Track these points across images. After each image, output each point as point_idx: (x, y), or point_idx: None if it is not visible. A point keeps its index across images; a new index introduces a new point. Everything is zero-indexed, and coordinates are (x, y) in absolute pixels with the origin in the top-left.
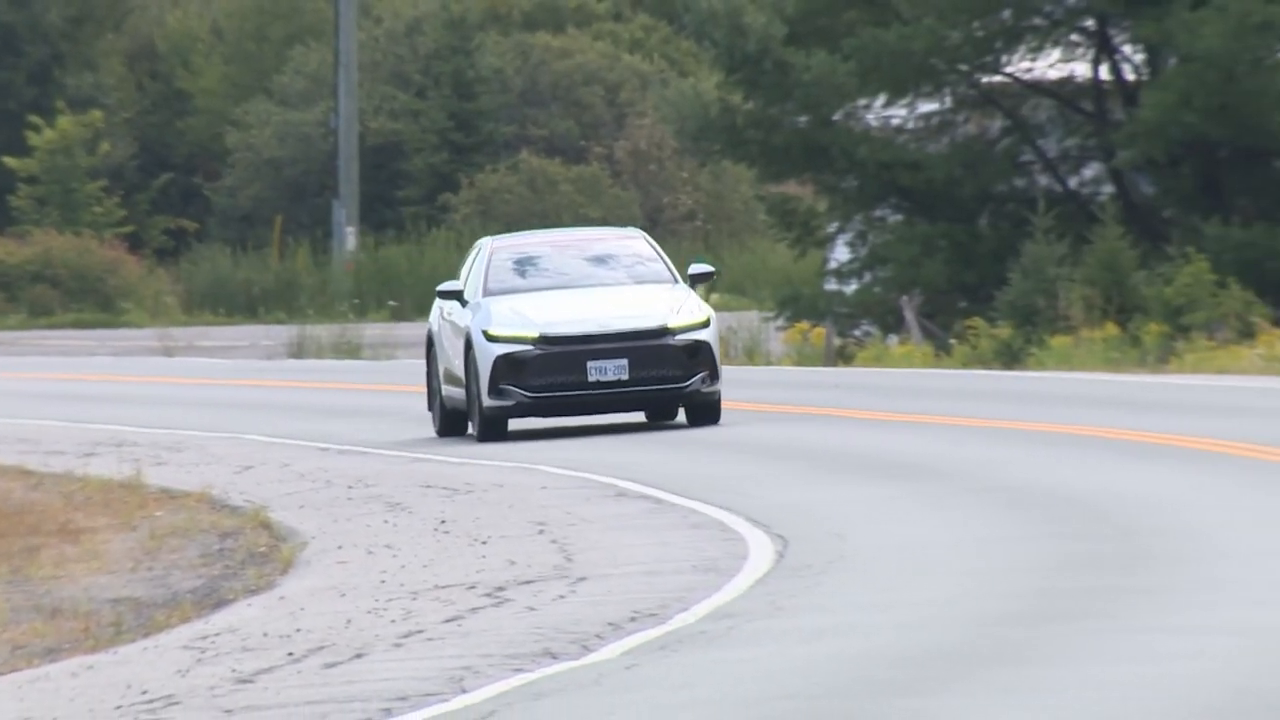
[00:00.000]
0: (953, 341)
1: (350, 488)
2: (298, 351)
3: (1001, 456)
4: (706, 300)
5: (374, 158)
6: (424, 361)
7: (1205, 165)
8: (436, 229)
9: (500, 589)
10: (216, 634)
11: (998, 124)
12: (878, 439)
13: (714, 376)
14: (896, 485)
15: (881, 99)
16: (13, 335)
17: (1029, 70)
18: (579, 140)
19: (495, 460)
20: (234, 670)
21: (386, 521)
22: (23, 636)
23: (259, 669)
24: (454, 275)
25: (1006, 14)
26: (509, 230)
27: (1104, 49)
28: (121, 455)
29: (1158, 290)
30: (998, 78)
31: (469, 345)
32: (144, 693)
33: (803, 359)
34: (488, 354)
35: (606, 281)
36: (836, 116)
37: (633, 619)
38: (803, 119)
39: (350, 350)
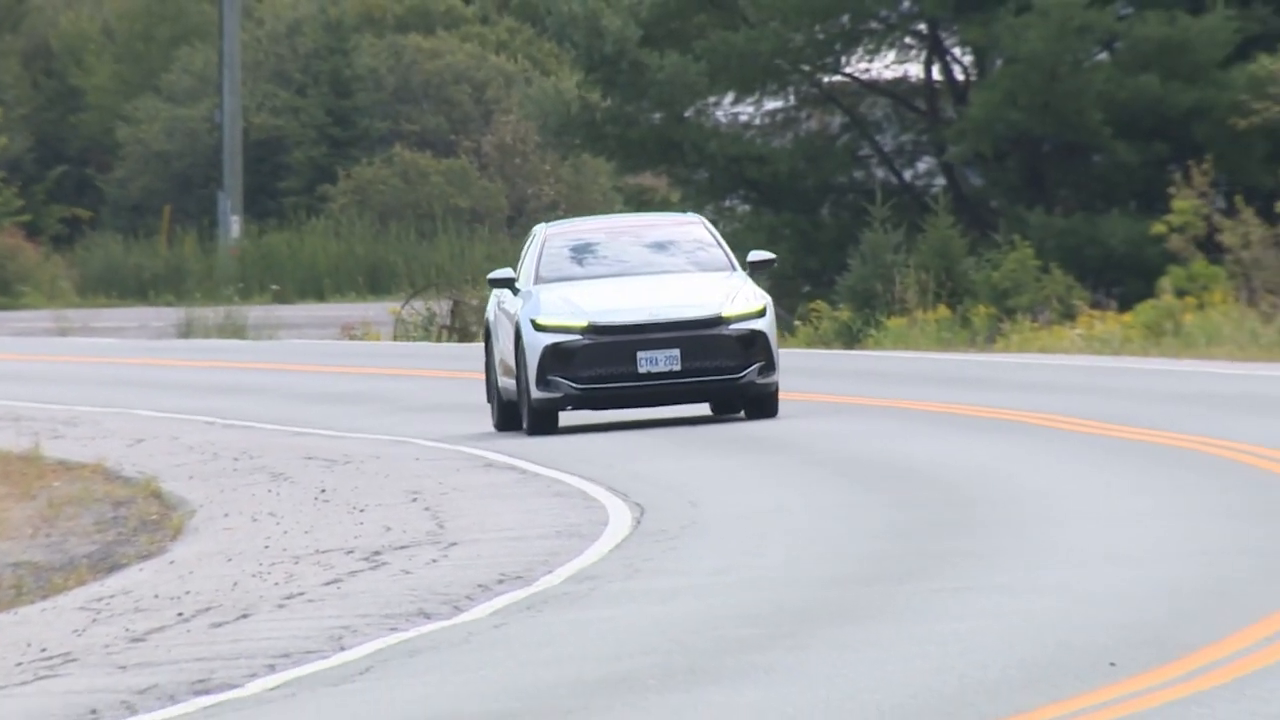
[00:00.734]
0: (797, 323)
1: (236, 459)
2: (186, 332)
3: (843, 430)
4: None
5: (256, 151)
6: (481, 351)
7: (1029, 159)
8: (315, 218)
9: (377, 553)
10: (111, 596)
11: (838, 121)
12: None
13: (770, 367)
14: (745, 457)
15: (730, 97)
16: None
17: (866, 71)
18: (448, 135)
19: (372, 434)
20: (127, 630)
21: (270, 491)
22: None
23: (150, 628)
24: (334, 263)
25: (845, 18)
26: (383, 221)
27: (935, 51)
28: (20, 429)
29: (986, 275)
30: (837, 78)
31: (518, 335)
32: (43, 650)
33: None
34: (535, 344)
35: (662, 269)
36: (688, 113)
37: (500, 581)
38: (657, 115)
39: (235, 331)
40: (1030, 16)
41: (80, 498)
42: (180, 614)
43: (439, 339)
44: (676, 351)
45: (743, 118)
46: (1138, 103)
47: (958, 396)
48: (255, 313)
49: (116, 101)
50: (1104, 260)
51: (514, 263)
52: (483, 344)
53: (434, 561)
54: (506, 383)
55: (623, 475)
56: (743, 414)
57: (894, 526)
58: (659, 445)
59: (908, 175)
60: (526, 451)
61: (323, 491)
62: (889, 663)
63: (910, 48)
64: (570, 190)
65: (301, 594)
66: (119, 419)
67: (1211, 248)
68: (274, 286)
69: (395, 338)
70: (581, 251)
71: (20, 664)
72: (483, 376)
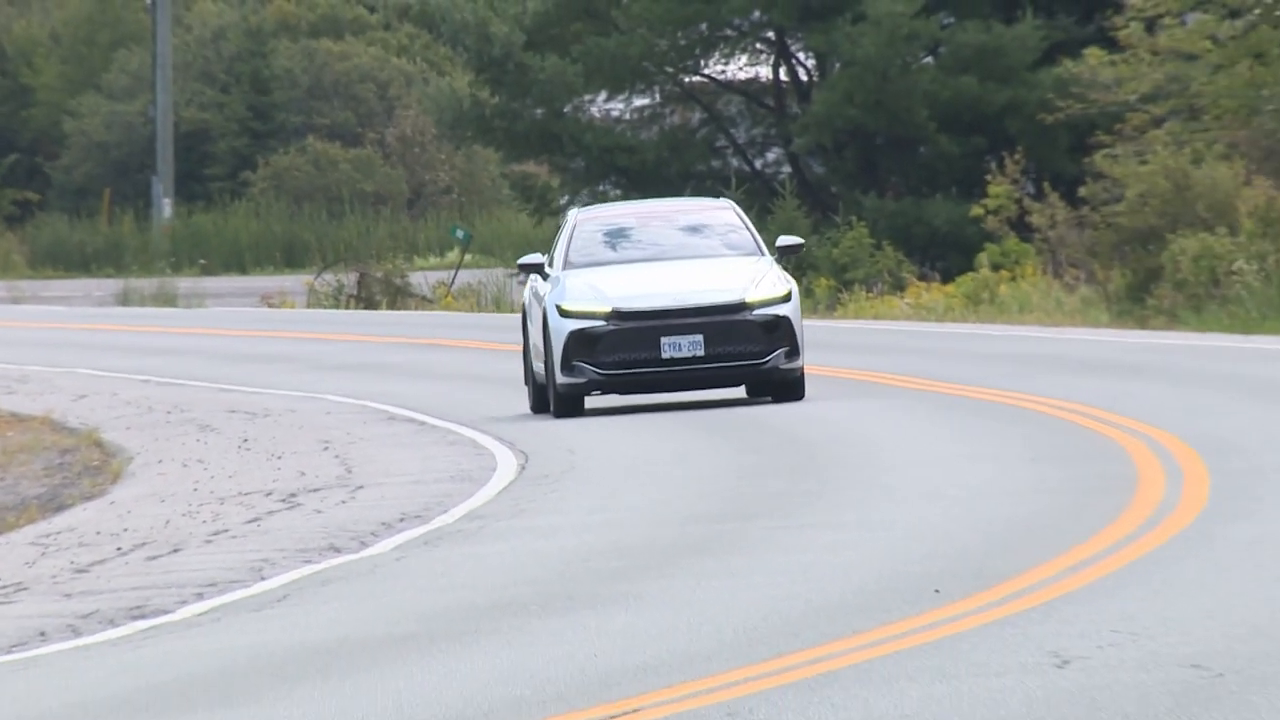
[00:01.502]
0: None
1: (169, 413)
2: (124, 300)
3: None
4: (463, 263)
5: (186, 141)
6: (518, 334)
7: (864, 150)
8: (238, 200)
9: (293, 495)
10: (58, 532)
11: (697, 116)
12: None
13: (795, 352)
14: (617, 414)
15: (603, 95)
16: None
17: (722, 72)
18: (355, 128)
19: (288, 390)
20: (73, 562)
21: (198, 440)
22: None
23: (93, 561)
24: (254, 240)
25: (704, 26)
26: (298, 203)
27: (782, 55)
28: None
29: (827, 251)
30: (697, 78)
31: (545, 320)
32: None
33: None
34: (560, 329)
35: (689, 254)
36: (566, 109)
37: (402, 519)
38: (539, 111)
39: (167, 300)
40: (865, 25)
41: (30, 446)
42: (119, 548)
43: (347, 306)
44: (700, 337)
45: (614, 113)
46: (958, 101)
47: (805, 359)
48: (185, 284)
49: (62, 98)
50: (929, 238)
51: (414, 241)
52: (521, 327)
53: (343, 502)
54: (538, 366)
55: (507, 427)
56: (769, 398)
57: (746, 471)
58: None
59: (759, 164)
60: (424, 405)
61: (244, 441)
62: (742, 590)
63: (760, 52)
64: (463, 177)
65: (226, 531)
66: (65, 377)
67: (1022, 227)
68: (201, 261)
69: (309, 306)
70: (611, 237)
71: None
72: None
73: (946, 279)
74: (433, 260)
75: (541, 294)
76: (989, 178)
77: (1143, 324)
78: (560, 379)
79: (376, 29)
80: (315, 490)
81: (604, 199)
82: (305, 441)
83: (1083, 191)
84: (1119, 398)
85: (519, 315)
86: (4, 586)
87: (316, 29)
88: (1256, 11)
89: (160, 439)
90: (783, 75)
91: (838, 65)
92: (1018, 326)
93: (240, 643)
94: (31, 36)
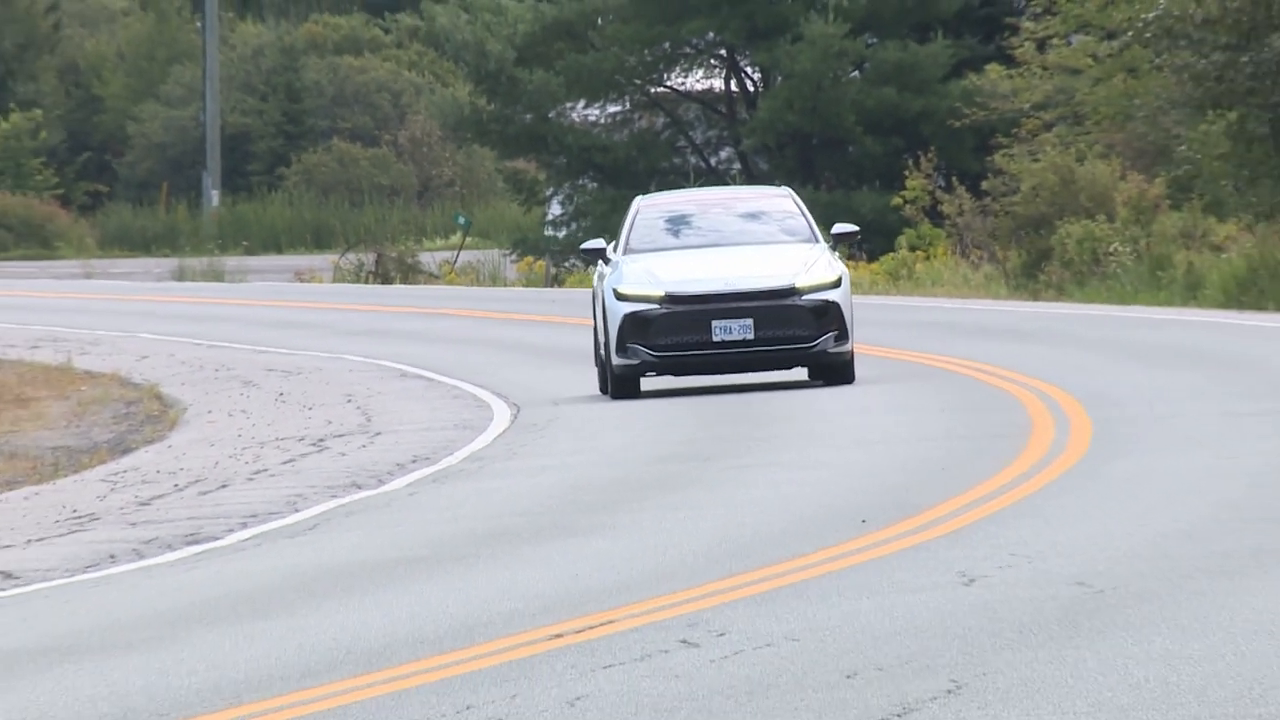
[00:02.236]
0: None
1: (216, 371)
2: (179, 276)
3: None
4: (464, 244)
5: (230, 142)
6: (513, 304)
7: (802, 149)
8: (274, 192)
9: (321, 440)
10: (124, 471)
11: (661, 120)
12: (582, 337)
13: (843, 336)
14: (591, 371)
15: (582, 103)
16: None
17: (682, 83)
18: (373, 130)
19: (317, 352)
20: (136, 496)
21: (242, 394)
22: None
23: (154, 495)
24: (289, 225)
25: (666, 45)
26: (325, 194)
27: (732, 69)
28: (57, 348)
29: None
30: (661, 89)
31: (604, 303)
32: (74, 511)
33: (529, 282)
34: (616, 313)
35: (745, 240)
36: (551, 115)
37: (413, 461)
38: (528, 116)
39: (216, 275)
40: (802, 44)
41: (101, 399)
42: (176, 485)
43: (366, 281)
44: (750, 321)
45: (591, 118)
46: (880, 108)
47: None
48: (230, 262)
49: (127, 105)
50: (857, 224)
51: (422, 226)
52: (591, 311)
53: (363, 447)
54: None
55: (502, 383)
56: (821, 381)
57: (702, 420)
58: (527, 360)
59: (713, 161)
60: (432, 364)
61: (280, 395)
62: (701, 520)
63: (714, 67)
64: (464, 171)
65: (265, 470)
66: (129, 340)
67: (934, 215)
68: (244, 243)
69: (334, 280)
70: (671, 223)
71: (58, 521)
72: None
73: (871, 259)
74: (439, 242)
75: (604, 279)
76: (907, 173)
77: (1035, 296)
78: (615, 360)
79: (390, 47)
80: (340, 436)
81: (583, 191)
82: (331, 395)
83: (985, 185)
84: (1016, 358)
85: (512, 289)
86: (79, 516)
87: (340, 47)
88: (1129, 33)
89: (210, 393)
90: (733, 86)
91: (779, 78)
92: (931, 299)
93: (277, 565)
94: (101, 54)
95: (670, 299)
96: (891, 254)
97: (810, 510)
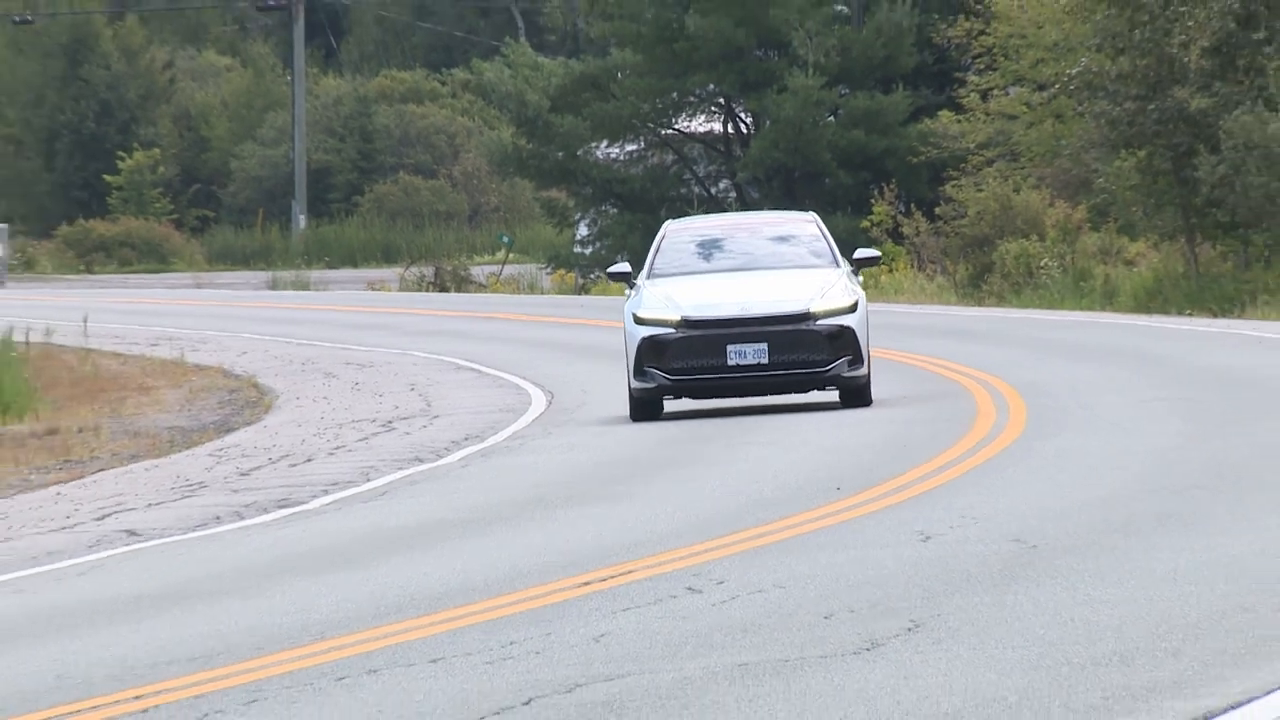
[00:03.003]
0: None
1: (303, 364)
2: (272, 286)
3: None
4: (507, 260)
5: (314, 175)
6: (547, 308)
7: (786, 181)
8: (350, 216)
9: (389, 422)
10: (227, 447)
11: (670, 157)
12: (605, 336)
13: (858, 360)
14: (616, 363)
15: (604, 142)
16: (107, 277)
17: (687, 126)
18: (432, 165)
19: (386, 349)
20: (237, 468)
21: (324, 384)
22: (118, 448)
23: (252, 467)
24: (362, 243)
25: (674, 94)
26: (392, 218)
27: (729, 115)
28: (171, 345)
29: None
30: (670, 131)
31: (624, 327)
32: (186, 480)
33: (561, 291)
34: (634, 336)
35: (766, 265)
36: (579, 152)
37: (465, 439)
38: (560, 154)
39: (302, 285)
40: (786, 94)
41: (208, 387)
42: (270, 458)
43: (426, 290)
44: (765, 345)
45: (612, 155)
46: (851, 147)
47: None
48: (314, 274)
49: (229, 145)
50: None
51: (473, 244)
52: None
53: (424, 427)
54: None
55: (539, 374)
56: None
57: (703, 408)
58: (559, 355)
59: (713, 190)
60: (481, 358)
61: (356, 384)
62: (702, 490)
63: (714, 113)
64: (507, 199)
65: (343, 447)
66: (232, 339)
67: (897, 235)
68: (326, 258)
69: (400, 289)
70: (696, 248)
71: (173, 488)
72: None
73: None
74: (486, 258)
75: (628, 303)
76: (873, 201)
77: (980, 302)
78: (633, 383)
79: (446, 97)
80: (405, 418)
81: (605, 216)
82: (398, 385)
83: (938, 210)
84: (963, 354)
85: (547, 296)
86: (190, 485)
87: (405, 97)
88: (1056, 86)
89: (297, 383)
90: (730, 129)
91: (768, 122)
92: (894, 304)
93: (353, 525)
94: (208, 103)
95: (686, 323)
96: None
97: (793, 480)
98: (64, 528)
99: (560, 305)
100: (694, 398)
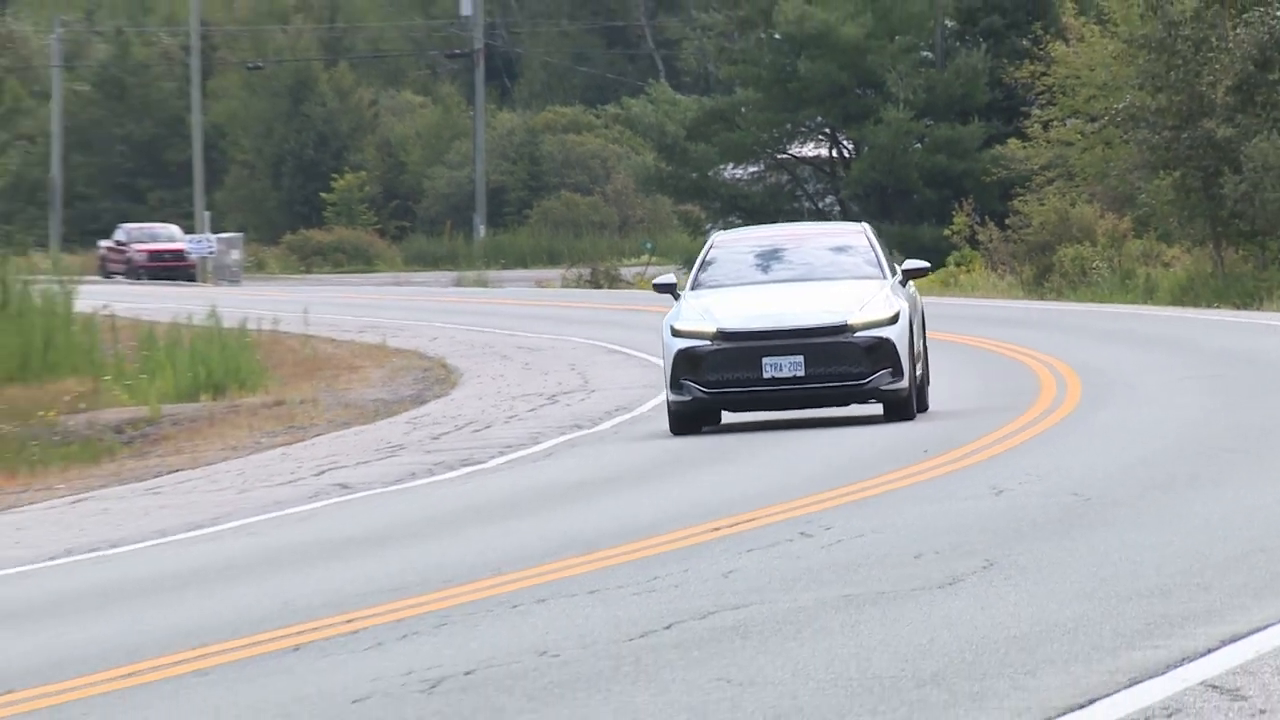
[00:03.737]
0: None
1: (483, 348)
2: (458, 284)
3: None
4: (650, 262)
5: (492, 193)
6: None
7: (881, 197)
8: (522, 226)
9: (553, 396)
10: (420, 416)
11: (785, 177)
12: None
13: (898, 373)
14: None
15: (731, 165)
16: (323, 277)
17: (800, 151)
18: (588, 185)
19: (550, 335)
20: (429, 433)
21: (500, 364)
22: (332, 416)
23: (441, 433)
24: (532, 248)
25: (788, 125)
26: (556, 228)
27: (834, 142)
28: (376, 332)
29: None
30: (784, 155)
31: (663, 339)
32: (387, 443)
33: None
34: (671, 348)
35: (811, 276)
36: (710, 173)
37: (617, 410)
38: (694, 174)
39: (482, 283)
40: (881, 125)
41: (405, 367)
42: (455, 426)
43: (583, 287)
44: (801, 358)
45: (737, 176)
46: (935, 169)
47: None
48: (492, 274)
49: (422, 168)
50: (920, 248)
51: (622, 250)
52: None
53: (582, 400)
54: None
55: None
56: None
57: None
58: None
59: (821, 205)
60: (628, 343)
61: (526, 364)
62: (814, 452)
63: (821, 140)
64: (649, 212)
65: (515, 416)
66: (425, 327)
67: (973, 242)
68: (502, 261)
69: (562, 286)
70: (742, 259)
71: (376, 450)
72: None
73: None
74: (632, 261)
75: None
76: (953, 213)
77: (1042, 297)
78: (670, 397)
79: (600, 128)
80: (566, 393)
81: (731, 225)
82: (560, 365)
83: (1007, 221)
84: (1028, 339)
85: None
86: (391, 447)
87: (566, 128)
88: (1106, 118)
89: (478, 363)
90: (834, 154)
91: (866, 148)
92: (970, 299)
93: (524, 481)
94: (405, 133)
95: (722, 335)
96: (943, 269)
97: (887, 443)
98: (288, 482)
99: None
100: (730, 411)
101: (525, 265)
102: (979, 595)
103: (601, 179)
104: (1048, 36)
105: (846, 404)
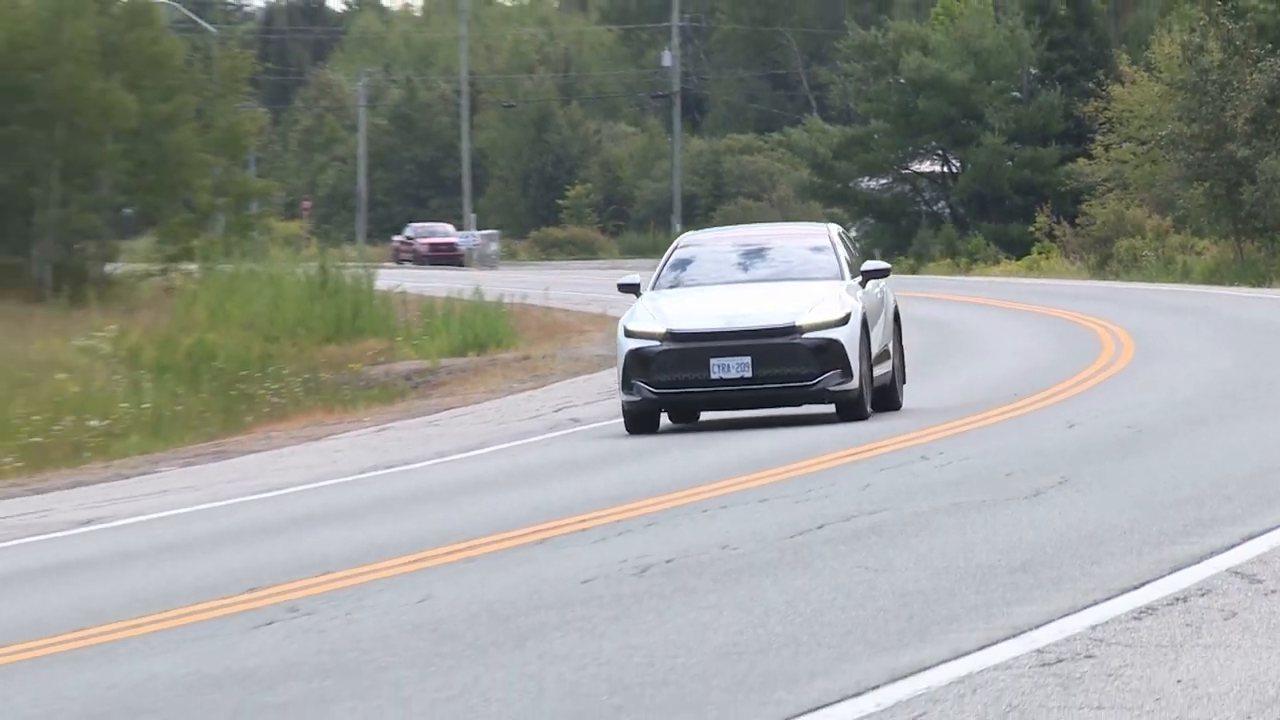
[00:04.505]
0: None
1: None
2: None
3: None
4: None
5: (686, 200)
6: None
7: (981, 204)
8: (708, 225)
9: None
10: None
11: (907, 187)
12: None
13: (848, 374)
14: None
15: (866, 178)
16: (560, 263)
17: (919, 167)
18: (758, 194)
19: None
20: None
21: None
22: (566, 368)
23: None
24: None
25: (909, 147)
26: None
27: (945, 160)
28: (599, 305)
29: (966, 243)
30: (907, 171)
31: (617, 340)
32: (609, 388)
33: None
34: (622, 349)
35: (768, 277)
36: (850, 184)
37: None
38: (838, 185)
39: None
40: (981, 148)
41: (593, 329)
42: None
43: None
44: (748, 359)
45: (872, 186)
46: (1022, 180)
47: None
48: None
49: (633, 181)
50: (1011, 240)
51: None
52: None
53: None
54: None
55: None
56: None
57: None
58: None
59: (935, 208)
60: None
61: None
62: (928, 395)
63: (936, 159)
64: (804, 215)
65: None
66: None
67: (1052, 236)
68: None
69: None
70: (703, 260)
71: (599, 392)
72: None
73: (1018, 259)
74: None
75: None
76: (1036, 215)
77: (1103, 278)
78: (622, 397)
79: (767, 150)
80: None
81: (865, 224)
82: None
83: (1077, 220)
84: (1093, 310)
85: None
86: (611, 390)
87: (742, 150)
88: (1152, 142)
89: None
90: (945, 169)
91: (969, 165)
92: (1048, 279)
93: (708, 414)
94: (619, 155)
95: (671, 336)
96: (1028, 257)
97: (982, 390)
98: (533, 416)
99: None
100: (679, 410)
101: None
102: (1056, 503)
103: (768, 189)
104: (1108, 80)
105: (797, 404)
